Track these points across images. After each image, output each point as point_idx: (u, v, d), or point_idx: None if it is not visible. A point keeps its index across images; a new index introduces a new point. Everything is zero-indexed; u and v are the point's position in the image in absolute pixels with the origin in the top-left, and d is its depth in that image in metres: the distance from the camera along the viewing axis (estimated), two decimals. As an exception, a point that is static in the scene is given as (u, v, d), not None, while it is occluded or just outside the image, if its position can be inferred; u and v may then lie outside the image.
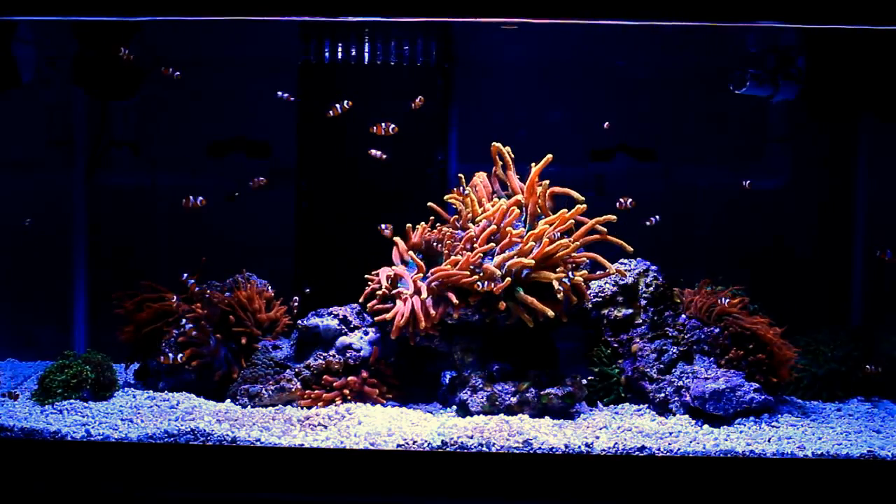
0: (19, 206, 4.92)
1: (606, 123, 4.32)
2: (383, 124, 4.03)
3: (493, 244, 3.91)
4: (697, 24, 3.87)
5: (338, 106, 4.09)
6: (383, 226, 4.07)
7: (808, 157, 4.95)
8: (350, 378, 3.94)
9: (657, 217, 4.14)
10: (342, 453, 3.41)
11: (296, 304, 4.28)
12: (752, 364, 3.97)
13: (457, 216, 4.16)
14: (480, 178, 4.20)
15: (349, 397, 3.92)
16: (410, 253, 4.10)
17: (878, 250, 3.85)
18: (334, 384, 3.93)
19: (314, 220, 4.65)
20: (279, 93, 4.25)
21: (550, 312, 3.76)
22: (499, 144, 4.12)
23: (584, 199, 3.97)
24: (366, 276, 4.08)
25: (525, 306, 3.78)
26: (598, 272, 4.04)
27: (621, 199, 4.07)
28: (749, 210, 4.92)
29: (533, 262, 3.80)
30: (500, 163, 4.15)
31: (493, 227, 3.95)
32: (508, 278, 3.77)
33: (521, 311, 3.78)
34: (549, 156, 4.02)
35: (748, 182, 4.32)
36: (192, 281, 4.13)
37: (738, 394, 3.75)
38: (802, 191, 4.92)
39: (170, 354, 4.02)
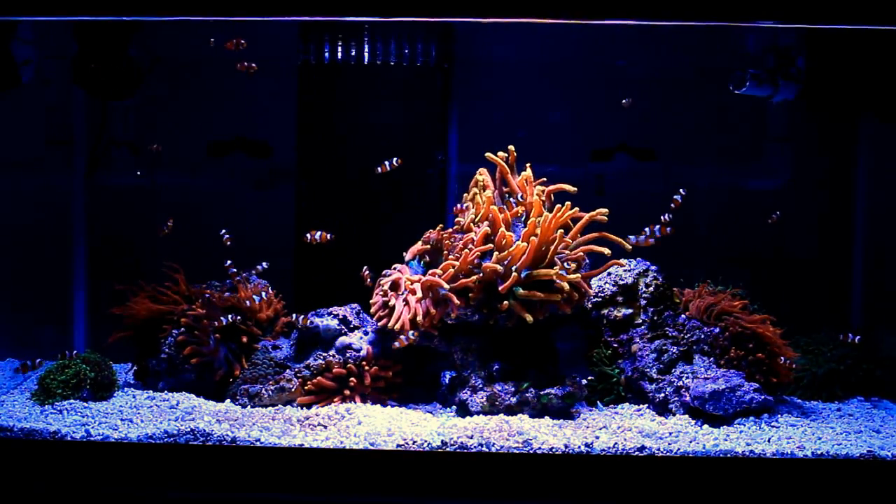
0: (19, 206, 4.92)
1: (626, 101, 4.31)
2: None
3: (490, 245, 3.91)
4: (697, 24, 3.87)
5: (386, 163, 4.09)
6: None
7: (808, 157, 4.95)
8: (350, 366, 3.94)
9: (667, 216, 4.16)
10: (342, 453, 3.41)
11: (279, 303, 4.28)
12: (752, 364, 3.97)
13: (460, 217, 4.15)
14: (484, 175, 4.18)
15: (348, 395, 3.93)
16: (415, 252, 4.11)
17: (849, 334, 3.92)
18: (333, 370, 3.93)
19: (314, 220, 4.65)
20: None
21: (556, 296, 3.74)
22: (491, 155, 4.10)
23: (574, 189, 3.97)
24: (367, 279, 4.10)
25: (526, 302, 3.77)
26: (598, 268, 4.04)
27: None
28: (749, 210, 4.92)
29: (530, 258, 3.80)
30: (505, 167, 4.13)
31: (488, 228, 3.94)
32: (515, 274, 3.76)
33: (520, 309, 3.77)
34: (529, 171, 4.03)
35: (775, 215, 4.36)
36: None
37: (738, 394, 3.75)
38: (802, 191, 4.92)
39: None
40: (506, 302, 3.78)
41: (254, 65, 4.14)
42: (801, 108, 4.74)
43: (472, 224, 4.04)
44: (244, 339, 4.16)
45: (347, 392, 3.94)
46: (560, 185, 4.03)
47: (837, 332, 4.44)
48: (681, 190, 3.97)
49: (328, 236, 4.03)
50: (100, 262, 4.90)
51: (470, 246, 3.91)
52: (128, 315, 4.27)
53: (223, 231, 4.17)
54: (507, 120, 4.85)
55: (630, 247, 3.92)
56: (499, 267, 3.77)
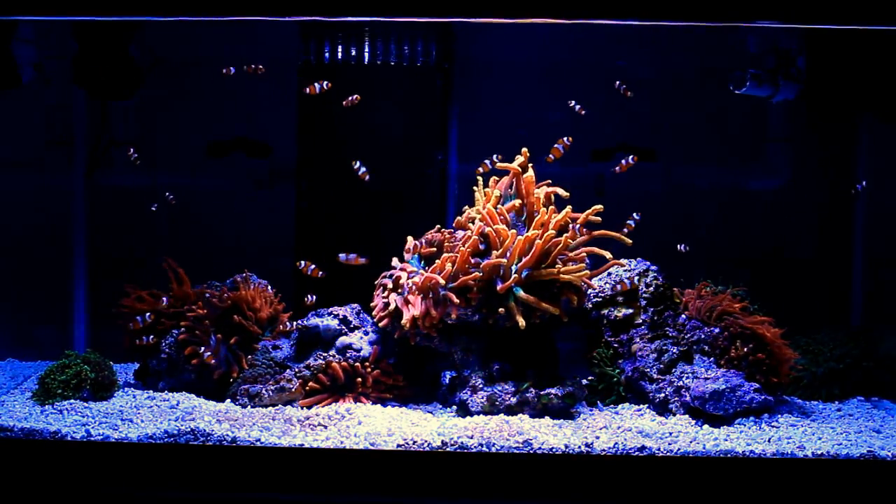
0: (19, 206, 4.92)
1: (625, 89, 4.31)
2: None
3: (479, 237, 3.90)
4: (698, 24, 3.87)
5: (316, 85, 4.02)
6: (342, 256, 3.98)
7: (808, 157, 4.95)
8: (355, 365, 3.95)
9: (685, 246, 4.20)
10: (342, 453, 3.41)
11: (311, 301, 4.21)
12: (752, 364, 3.97)
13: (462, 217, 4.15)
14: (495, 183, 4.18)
15: (348, 395, 3.93)
16: (412, 251, 4.11)
17: None
18: (335, 364, 3.93)
19: (314, 220, 4.65)
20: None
21: (553, 310, 3.76)
22: (504, 164, 4.09)
23: (567, 193, 3.98)
24: (376, 283, 4.09)
25: (525, 305, 3.78)
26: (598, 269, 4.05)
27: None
28: (749, 210, 4.92)
29: (531, 259, 3.80)
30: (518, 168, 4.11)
31: (487, 227, 3.94)
32: (515, 275, 3.76)
33: (517, 314, 3.77)
34: (530, 174, 4.04)
35: (861, 185, 4.37)
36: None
37: (738, 394, 3.75)
38: (802, 191, 4.93)
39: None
40: (501, 308, 3.77)
41: (261, 66, 4.12)
42: (801, 108, 4.74)
43: (469, 222, 4.05)
44: (233, 340, 4.15)
45: (348, 392, 3.93)
46: (556, 189, 4.04)
47: (837, 332, 4.46)
48: (634, 215, 4.05)
49: (319, 273, 4.01)
50: (100, 262, 4.90)
51: (468, 243, 3.91)
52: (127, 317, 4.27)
53: (168, 193, 4.15)
54: (507, 120, 4.85)
55: (629, 241, 3.93)
56: (503, 260, 3.77)
